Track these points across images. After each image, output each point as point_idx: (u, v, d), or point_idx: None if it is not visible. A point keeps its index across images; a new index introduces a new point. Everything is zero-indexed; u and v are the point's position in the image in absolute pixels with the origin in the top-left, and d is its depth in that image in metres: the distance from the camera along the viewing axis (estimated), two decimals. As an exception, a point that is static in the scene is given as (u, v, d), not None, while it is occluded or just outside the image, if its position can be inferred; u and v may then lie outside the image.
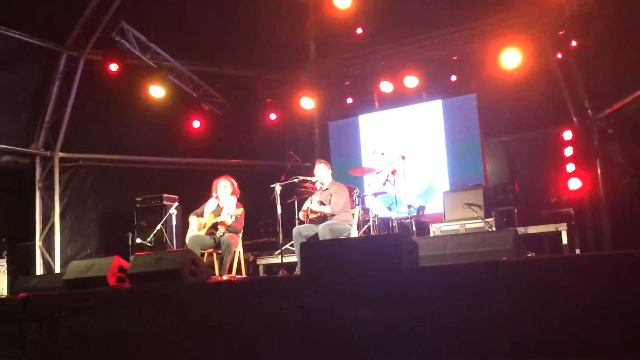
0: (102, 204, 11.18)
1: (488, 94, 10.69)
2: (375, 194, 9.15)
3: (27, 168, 10.68)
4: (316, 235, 7.42)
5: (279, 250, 8.79)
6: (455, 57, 10.80)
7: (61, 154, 10.78)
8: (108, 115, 10.82)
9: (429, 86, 11.26)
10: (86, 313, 5.38)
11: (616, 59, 8.70)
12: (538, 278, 3.71)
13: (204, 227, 7.67)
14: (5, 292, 9.00)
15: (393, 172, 8.85)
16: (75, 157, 11.01)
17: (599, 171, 9.82)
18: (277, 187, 7.69)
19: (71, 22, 10.14)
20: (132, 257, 7.65)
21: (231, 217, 7.50)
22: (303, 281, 4.71)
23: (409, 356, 3.85)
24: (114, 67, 9.94)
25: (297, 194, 9.23)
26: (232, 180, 7.98)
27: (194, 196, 8.80)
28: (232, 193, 7.87)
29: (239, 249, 7.75)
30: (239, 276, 7.60)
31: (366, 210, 8.81)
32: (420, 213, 9.44)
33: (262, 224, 11.27)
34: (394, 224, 9.25)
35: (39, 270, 10.33)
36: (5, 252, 9.99)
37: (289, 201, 9.11)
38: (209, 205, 7.87)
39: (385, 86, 11.14)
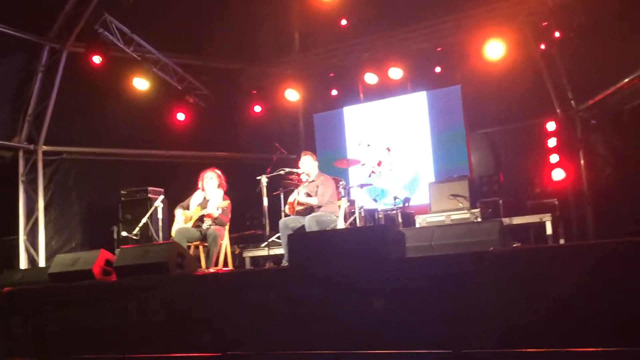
0: (87, 197, 11.10)
1: (472, 86, 10.75)
2: (361, 186, 9.16)
3: (10, 162, 10.56)
4: (303, 227, 7.43)
5: (266, 243, 8.80)
6: (439, 49, 10.82)
7: (45, 147, 10.67)
8: (92, 108, 10.74)
9: (414, 78, 11.27)
10: (72, 307, 5.37)
11: (598, 50, 8.76)
12: (524, 268, 3.75)
13: (190, 220, 7.65)
14: (-11, 287, 8.92)
15: (379, 164, 8.87)
16: (58, 150, 10.91)
17: (582, 162, 9.91)
18: (263, 180, 7.70)
19: (53, 14, 10.02)
20: (117, 251, 7.62)
21: (217, 209, 7.50)
22: (290, 273, 4.73)
23: (397, 347, 3.88)
24: (97, 59, 9.86)
25: (283, 186, 9.22)
26: (219, 172, 7.96)
27: (180, 189, 8.78)
28: (219, 186, 7.85)
29: (226, 241, 7.74)
30: (226, 269, 7.60)
31: (352, 202, 8.82)
32: (406, 204, 9.47)
33: (248, 216, 11.25)
34: (379, 216, 9.28)
35: (24, 264, 10.25)
36: (-12, 247, 9.92)
37: (274, 193, 9.10)
38: (195, 198, 7.85)
39: (370, 78, 11.14)
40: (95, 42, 9.83)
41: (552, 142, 9.91)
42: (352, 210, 8.67)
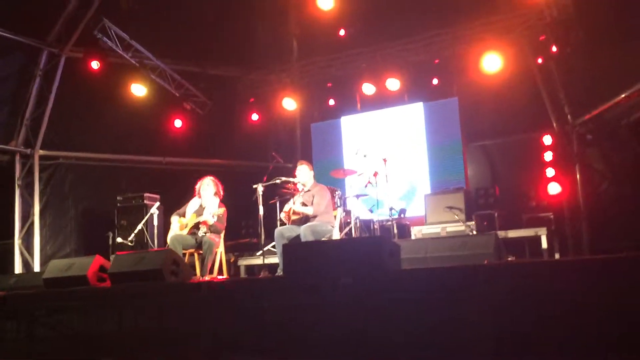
0: (83, 202, 11.09)
1: (469, 98, 10.78)
2: (357, 196, 9.17)
3: (7, 165, 10.57)
4: (298, 236, 7.42)
5: (261, 252, 8.79)
6: (437, 61, 10.87)
7: (41, 152, 10.69)
8: (89, 113, 10.75)
9: (411, 89, 11.31)
10: (66, 312, 5.36)
11: (595, 65, 8.81)
12: (518, 282, 3.75)
13: (186, 227, 7.65)
14: (-18, 291, 8.90)
15: (375, 174, 8.88)
16: (55, 155, 10.92)
17: (578, 176, 9.92)
18: (259, 188, 7.69)
19: (52, 19, 10.08)
20: (112, 257, 7.61)
21: (213, 216, 7.49)
22: (285, 282, 4.73)
23: (390, 357, 3.88)
24: (95, 64, 9.90)
25: (279, 194, 9.23)
26: (216, 181, 7.97)
27: (176, 196, 8.78)
28: (215, 194, 7.85)
29: (221, 249, 7.73)
30: (221, 277, 7.59)
31: (348, 212, 8.83)
32: (402, 215, 9.48)
33: (244, 225, 11.24)
34: (375, 226, 9.28)
35: (18, 268, 10.23)
36: (-17, 251, 9.90)
37: (271, 202, 9.11)
38: (191, 205, 7.85)
39: (368, 88, 11.17)
40: (93, 48, 9.86)
41: (548, 156, 9.94)
42: (348, 220, 8.68)
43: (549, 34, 9.41)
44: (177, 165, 11.68)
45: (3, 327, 5.61)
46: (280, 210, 8.37)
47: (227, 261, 8.85)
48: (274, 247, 8.28)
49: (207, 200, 7.78)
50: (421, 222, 9.27)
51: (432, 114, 11.31)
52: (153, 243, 8.77)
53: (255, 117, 12.15)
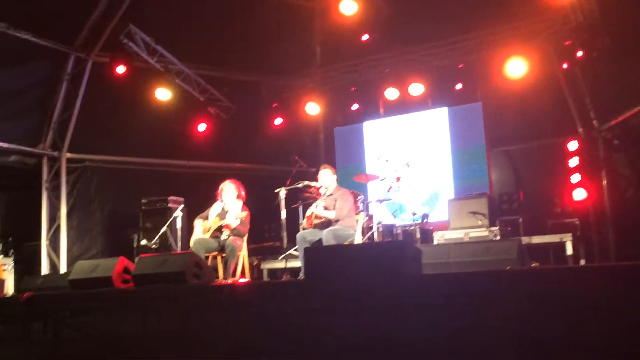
0: (108, 205, 11.23)
1: (493, 103, 10.71)
2: (380, 201, 9.16)
3: (34, 168, 10.74)
4: (320, 240, 7.43)
5: (283, 255, 8.82)
6: (460, 66, 10.82)
7: (68, 155, 10.85)
8: (115, 117, 10.87)
9: (435, 94, 11.27)
10: (91, 313, 5.43)
11: (621, 70, 8.72)
12: (541, 288, 3.72)
13: (209, 230, 7.69)
14: (11, 291, 9.04)
15: (397, 179, 8.86)
16: (82, 158, 11.08)
17: (604, 182, 9.81)
18: (282, 192, 7.72)
19: (79, 24, 10.21)
20: (137, 259, 7.69)
21: (236, 220, 7.52)
22: (306, 286, 4.74)
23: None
24: (121, 69, 10.01)
25: (301, 199, 9.25)
26: (238, 183, 7.99)
27: (200, 199, 8.84)
28: (238, 197, 7.87)
29: (244, 252, 7.76)
30: (243, 280, 7.62)
31: (370, 217, 8.82)
32: (425, 220, 9.45)
33: (267, 228, 11.29)
34: (398, 231, 9.26)
35: (45, 269, 10.38)
36: (11, 252, 10.05)
37: (293, 206, 9.13)
38: (214, 209, 7.89)
39: (391, 93, 11.15)
40: (119, 52, 9.98)
41: (573, 162, 9.83)
42: (371, 225, 8.67)
43: (575, 39, 9.32)
44: (201, 169, 11.75)
45: (30, 327, 5.70)
46: (303, 215, 8.39)
47: (250, 264, 8.88)
48: (296, 250, 8.30)
49: (229, 203, 7.82)
50: (444, 227, 9.22)
51: (456, 119, 11.26)
52: (176, 246, 8.84)
53: (278, 121, 12.19)
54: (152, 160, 11.52)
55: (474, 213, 8.78)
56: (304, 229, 7.99)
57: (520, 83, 9.79)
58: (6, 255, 9.89)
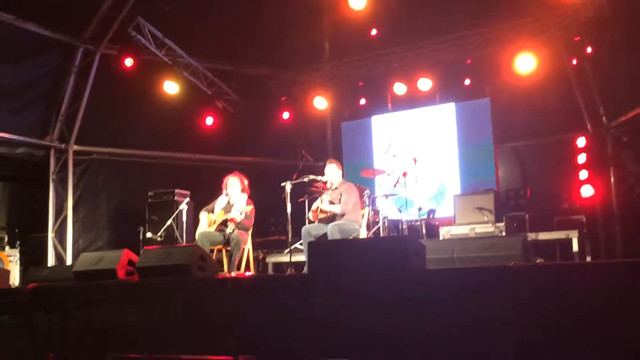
0: (115, 197, 11.27)
1: (502, 99, 10.66)
2: (386, 196, 9.15)
3: (42, 160, 10.79)
4: (325, 234, 7.42)
5: (288, 249, 8.81)
6: (469, 61, 10.79)
7: (75, 147, 10.89)
8: (122, 110, 10.90)
9: (443, 89, 11.23)
10: (95, 305, 5.44)
11: (631, 67, 8.64)
12: (544, 284, 3.70)
13: (214, 224, 7.70)
14: (17, 282, 9.10)
15: (404, 174, 8.85)
16: (89, 150, 11.11)
17: (612, 179, 9.76)
18: (288, 186, 7.70)
19: (88, 17, 10.24)
20: (141, 251, 7.71)
21: (241, 213, 7.53)
22: (309, 280, 4.73)
23: (413, 357, 3.86)
24: (129, 62, 10.02)
25: (307, 193, 9.24)
26: (242, 177, 8.00)
27: (206, 192, 8.84)
28: (242, 190, 7.88)
29: (248, 246, 7.77)
30: (248, 273, 7.63)
31: (376, 212, 8.81)
32: (431, 216, 9.43)
33: (272, 222, 11.28)
34: (403, 226, 9.24)
35: (51, 261, 10.44)
36: (18, 243, 10.12)
37: (299, 200, 9.13)
38: (220, 202, 7.90)
39: (399, 88, 11.13)
40: (127, 45, 10.00)
41: (581, 158, 9.78)
42: (376, 219, 8.66)
43: (584, 35, 9.26)
44: (208, 162, 11.77)
45: (34, 318, 5.72)
46: (309, 209, 8.39)
47: (256, 258, 8.91)
48: (301, 244, 8.29)
49: (234, 197, 7.82)
50: (451, 222, 9.21)
51: (464, 114, 11.22)
52: (182, 239, 8.85)
53: (286, 115, 12.19)
54: (158, 153, 11.55)
55: (480, 209, 8.75)
56: (309, 222, 7.99)
57: (529, 79, 9.74)
58: (12, 246, 9.96)
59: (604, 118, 9.87)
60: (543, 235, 8.55)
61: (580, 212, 9.39)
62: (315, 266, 4.69)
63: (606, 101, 9.77)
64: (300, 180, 8.12)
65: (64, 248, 10.58)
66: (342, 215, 7.57)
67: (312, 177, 8.19)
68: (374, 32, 10.83)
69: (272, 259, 9.96)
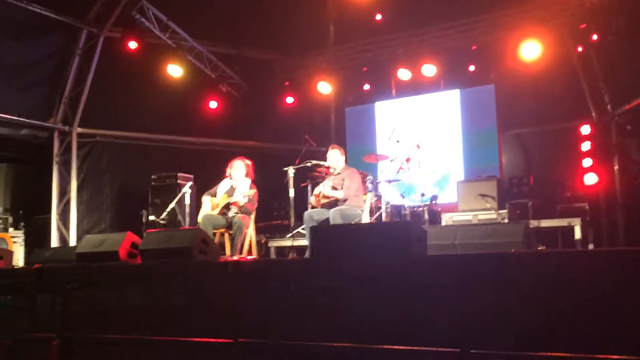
0: (118, 180, 11.30)
1: (506, 86, 10.63)
2: (389, 181, 9.15)
3: (46, 142, 10.81)
4: (327, 219, 7.43)
5: (291, 234, 8.84)
6: (474, 47, 10.73)
7: (79, 129, 10.90)
8: (126, 93, 10.89)
9: (447, 75, 11.19)
10: (97, 286, 5.46)
11: (637, 54, 8.60)
12: (545, 271, 3.70)
13: (217, 207, 7.71)
14: (21, 263, 9.15)
15: (407, 160, 8.84)
16: (92, 132, 11.13)
17: (616, 167, 9.75)
18: (291, 171, 7.72)
19: (92, -1, 10.22)
20: (144, 234, 7.74)
21: (244, 197, 7.54)
22: (311, 265, 4.75)
23: (414, 342, 3.88)
24: (133, 44, 10.01)
25: (310, 178, 9.25)
26: (247, 161, 8.00)
27: (209, 176, 8.86)
28: (247, 175, 7.89)
29: (251, 230, 7.79)
30: (250, 257, 7.65)
31: (379, 197, 8.81)
32: (434, 202, 9.42)
33: (275, 206, 11.31)
34: (406, 212, 9.25)
35: (55, 242, 10.49)
36: (22, 224, 10.16)
37: (302, 185, 9.13)
38: (223, 186, 7.91)
39: (403, 74, 11.09)
40: (131, 28, 9.99)
41: (585, 146, 9.75)
42: (379, 205, 8.66)
43: (590, 22, 9.20)
44: (211, 146, 11.78)
45: (38, 299, 5.75)
46: (312, 193, 8.40)
47: (259, 242, 8.92)
48: (303, 229, 8.31)
49: (238, 181, 7.83)
50: (454, 209, 9.21)
51: (468, 101, 11.20)
52: (185, 222, 8.88)
53: (290, 100, 12.17)
54: (162, 137, 11.56)
55: (483, 196, 8.75)
56: (311, 207, 8.00)
57: (534, 66, 9.70)
58: (17, 227, 10.00)
59: (608, 106, 9.84)
60: (545, 223, 8.54)
61: (583, 200, 9.39)
62: (317, 251, 4.70)
63: (611, 89, 9.73)
64: (303, 165, 8.13)
65: (68, 230, 10.63)
66: (345, 200, 7.57)
67: (315, 162, 8.20)
68: (378, 17, 10.77)
69: (274, 244, 9.98)
